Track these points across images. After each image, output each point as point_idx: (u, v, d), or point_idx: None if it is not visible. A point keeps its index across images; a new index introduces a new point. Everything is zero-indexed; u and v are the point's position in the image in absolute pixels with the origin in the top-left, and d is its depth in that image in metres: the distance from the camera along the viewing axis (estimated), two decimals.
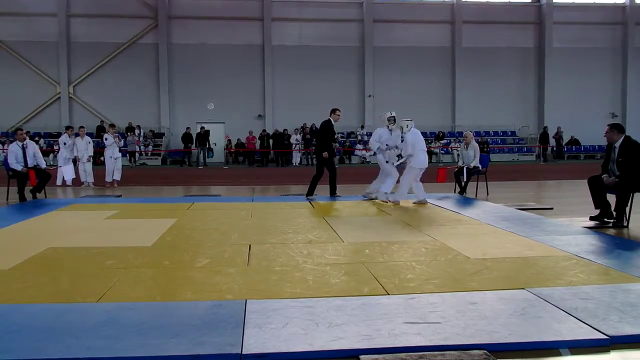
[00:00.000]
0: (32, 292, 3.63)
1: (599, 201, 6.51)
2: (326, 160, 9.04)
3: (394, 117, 8.60)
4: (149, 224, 6.46)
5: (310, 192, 9.06)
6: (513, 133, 27.68)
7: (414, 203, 8.31)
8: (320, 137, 9.29)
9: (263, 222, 6.51)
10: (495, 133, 27.26)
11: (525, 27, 27.44)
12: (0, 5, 24.35)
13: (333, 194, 9.24)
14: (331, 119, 9.19)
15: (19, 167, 9.17)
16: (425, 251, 4.87)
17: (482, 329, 2.86)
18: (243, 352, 2.57)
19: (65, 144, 12.65)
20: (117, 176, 12.52)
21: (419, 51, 26.46)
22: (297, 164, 23.42)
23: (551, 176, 15.46)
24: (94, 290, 3.63)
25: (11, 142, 10.45)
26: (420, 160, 8.31)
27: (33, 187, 9.25)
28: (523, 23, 27.35)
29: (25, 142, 9.42)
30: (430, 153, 24.80)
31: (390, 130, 8.58)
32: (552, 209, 7.89)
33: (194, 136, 23.34)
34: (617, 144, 6.42)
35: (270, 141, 23.72)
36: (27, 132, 14.38)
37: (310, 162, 23.40)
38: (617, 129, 6.51)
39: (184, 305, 3.32)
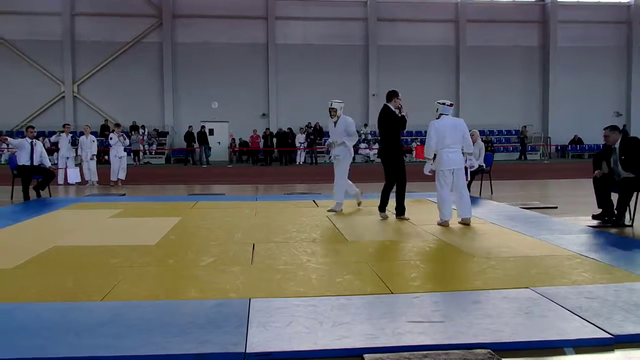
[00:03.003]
0: (36, 290, 3.64)
1: (603, 200, 6.49)
2: (396, 163, 6.84)
3: (334, 108, 7.38)
4: (153, 222, 6.47)
5: (398, 210, 6.84)
6: (517, 132, 27.58)
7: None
8: (387, 130, 6.85)
9: (267, 221, 6.52)
10: (499, 132, 27.17)
11: (529, 26, 27.33)
12: (5, 5, 24.40)
13: (400, 213, 6.77)
14: (390, 106, 6.87)
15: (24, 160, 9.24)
16: (429, 250, 4.87)
17: (486, 328, 2.85)
18: (247, 351, 2.58)
19: (68, 142, 12.72)
20: (122, 175, 12.56)
21: (423, 50, 26.40)
22: (301, 163, 23.41)
23: (555, 175, 15.39)
24: (99, 289, 3.65)
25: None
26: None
27: (37, 185, 9.30)
28: (527, 22, 27.24)
29: (33, 140, 9.51)
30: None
31: (335, 122, 7.42)
32: (556, 207, 7.87)
33: (196, 135, 23.43)
34: (617, 144, 6.40)
35: (274, 140, 23.74)
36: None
37: (314, 161, 23.39)
38: (615, 129, 6.49)
39: (188, 303, 3.32)
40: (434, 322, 2.94)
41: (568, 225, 6.19)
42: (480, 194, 9.62)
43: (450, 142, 6.24)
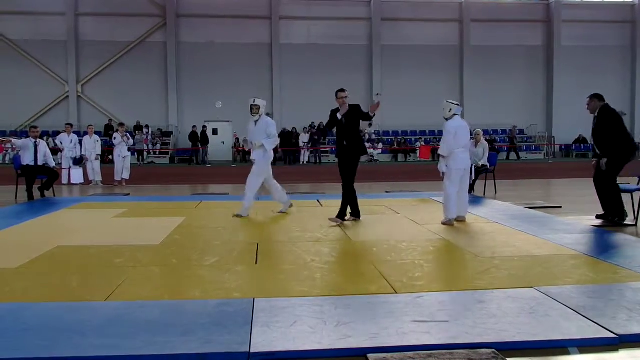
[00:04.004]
0: (40, 290, 3.65)
1: (604, 200, 6.46)
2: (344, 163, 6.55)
3: (257, 105, 6.96)
4: (157, 222, 6.48)
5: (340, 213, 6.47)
6: (521, 131, 27.50)
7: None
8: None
9: (271, 221, 6.52)
10: (503, 131, 27.09)
11: (533, 26, 27.25)
12: (9, 5, 24.50)
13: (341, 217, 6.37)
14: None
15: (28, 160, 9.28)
16: (433, 250, 4.86)
17: (490, 327, 2.85)
18: (251, 351, 2.58)
19: (71, 142, 12.75)
20: (126, 175, 12.59)
21: (427, 49, 26.36)
22: (304, 163, 23.41)
23: (559, 174, 15.34)
24: (103, 289, 3.65)
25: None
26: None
27: (41, 186, 9.34)
28: (532, 21, 27.17)
29: (37, 140, 9.54)
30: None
31: (255, 122, 7.01)
32: (560, 207, 7.84)
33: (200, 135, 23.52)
34: (596, 113, 6.39)
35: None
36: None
37: (318, 161, 23.38)
38: (597, 97, 6.46)
39: (192, 303, 3.33)
40: (438, 322, 2.94)
41: (572, 224, 6.17)
42: (484, 194, 9.60)
43: (464, 142, 6.41)
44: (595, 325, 2.87)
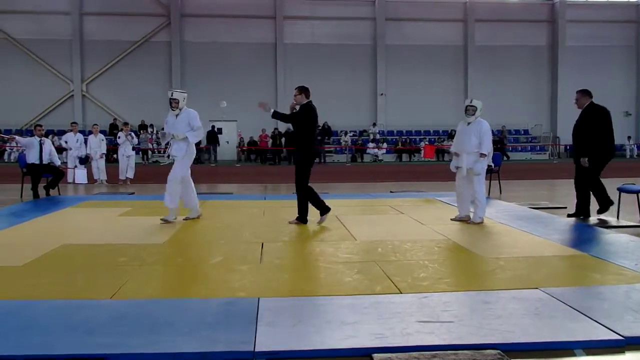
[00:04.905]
0: (46, 288, 3.66)
1: (583, 200, 6.47)
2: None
3: (175, 99, 6.43)
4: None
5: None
6: (526, 132, 27.41)
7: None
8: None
9: (275, 220, 6.52)
10: (508, 132, 27.00)
11: (538, 25, 27.16)
12: (15, 4, 24.63)
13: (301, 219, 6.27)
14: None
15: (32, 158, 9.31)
16: (438, 250, 4.85)
17: (495, 328, 2.84)
18: (256, 350, 2.58)
19: (77, 141, 12.80)
20: (130, 174, 12.63)
21: (432, 49, 26.31)
22: None
23: (564, 175, 15.26)
24: (107, 287, 3.66)
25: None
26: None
27: (47, 185, 9.37)
28: (536, 21, 27.08)
29: (42, 139, 9.58)
30: (442, 151, 24.69)
31: (176, 115, 6.47)
32: (565, 207, 7.80)
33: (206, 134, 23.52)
34: (583, 109, 6.38)
35: (283, 139, 23.75)
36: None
37: (322, 161, 23.36)
38: (586, 93, 6.43)
39: (196, 302, 3.33)
40: (443, 322, 2.93)
41: (577, 225, 6.15)
42: (488, 194, 9.56)
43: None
44: (601, 326, 2.85)
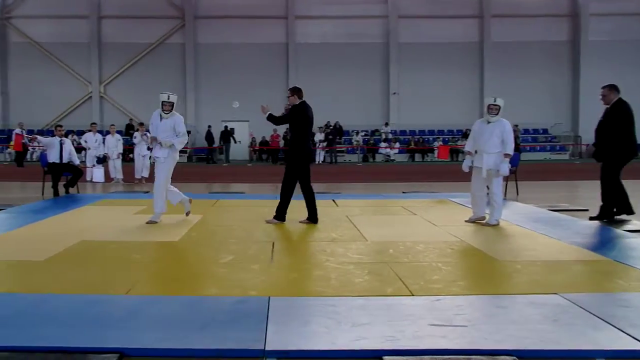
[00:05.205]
0: (64, 282, 3.76)
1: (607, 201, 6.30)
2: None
3: (171, 102, 6.44)
4: (176, 219, 6.52)
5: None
6: (545, 131, 26.91)
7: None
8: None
9: (286, 220, 6.49)
10: (526, 131, 26.54)
11: (558, 20, 26.53)
12: (37, 9, 25.18)
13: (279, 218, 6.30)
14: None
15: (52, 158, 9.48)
16: (452, 252, 4.77)
17: (511, 334, 2.76)
18: (266, 348, 2.57)
19: (96, 141, 12.98)
20: (146, 173, 12.75)
21: (446, 47, 25.98)
22: (320, 162, 23.38)
23: (586, 176, 14.96)
24: (123, 283, 3.72)
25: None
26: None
27: (66, 183, 9.55)
28: (556, 16, 26.43)
29: (62, 139, 9.75)
30: (457, 151, 24.44)
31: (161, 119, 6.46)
32: (587, 210, 7.57)
33: (215, 134, 23.69)
34: (610, 105, 6.20)
35: None
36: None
37: (333, 160, 23.31)
38: (614, 89, 6.26)
39: (208, 300, 3.35)
40: (456, 326, 2.86)
41: (600, 228, 5.98)
42: (505, 195, 9.41)
43: None
44: (627, 336, 2.71)
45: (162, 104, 6.40)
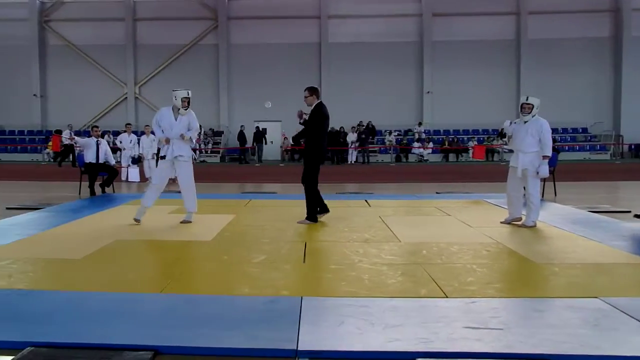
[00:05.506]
0: (101, 281, 3.85)
1: None
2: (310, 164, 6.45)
3: (189, 98, 6.49)
4: (209, 219, 6.64)
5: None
6: (585, 130, 26.03)
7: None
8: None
9: (318, 220, 6.50)
10: (565, 130, 25.75)
11: (599, 16, 25.59)
12: (75, 13, 26.09)
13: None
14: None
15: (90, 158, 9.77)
16: (487, 254, 4.67)
17: (548, 338, 2.68)
18: (298, 348, 2.58)
19: (130, 141, 13.31)
20: None
21: (481, 45, 25.46)
22: (352, 162, 23.32)
23: (628, 176, 14.40)
24: (157, 281, 3.80)
25: None
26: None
27: (102, 182, 9.84)
28: (597, 11, 25.51)
29: (98, 139, 10.05)
30: (492, 151, 23.93)
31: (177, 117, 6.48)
32: (629, 212, 7.29)
33: (248, 134, 23.93)
34: None
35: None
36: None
37: (366, 160, 23.21)
38: None
39: (241, 299, 3.38)
40: (492, 329, 2.80)
41: None
42: (543, 196, 9.16)
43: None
44: None
45: (182, 100, 6.36)
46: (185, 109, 6.40)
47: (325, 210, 6.49)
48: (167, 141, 6.35)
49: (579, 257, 4.49)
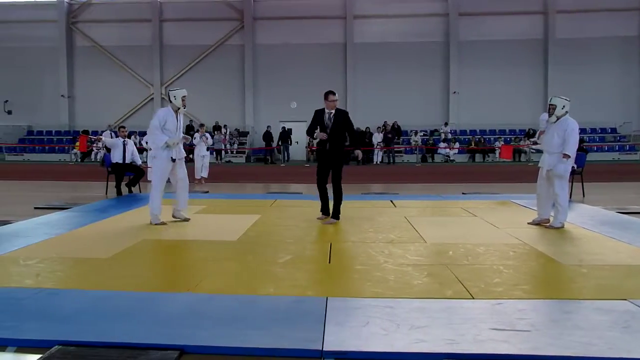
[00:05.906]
0: (128, 280, 3.91)
1: None
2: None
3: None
4: (235, 219, 6.73)
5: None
6: (613, 130, 25.36)
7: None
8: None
9: (343, 221, 6.53)
10: (593, 130, 25.13)
11: (629, 14, 24.91)
12: (102, 14, 26.70)
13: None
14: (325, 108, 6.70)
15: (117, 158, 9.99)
16: (514, 255, 4.62)
17: (577, 340, 2.66)
18: (324, 349, 2.60)
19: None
20: (205, 173, 13.19)
21: (508, 44, 25.05)
22: (378, 162, 23.24)
23: None
24: (183, 281, 3.86)
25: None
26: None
27: (128, 182, 9.99)
28: (626, 10, 24.85)
29: (125, 139, 10.24)
30: (519, 152, 23.50)
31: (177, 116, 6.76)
32: None
33: (274, 135, 24.09)
34: None
35: None
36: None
37: (391, 161, 23.09)
38: None
39: (266, 299, 3.41)
40: (519, 331, 2.79)
41: None
42: (571, 197, 8.98)
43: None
44: None
45: (182, 99, 6.58)
46: (184, 107, 6.65)
47: (326, 212, 6.61)
48: (186, 140, 6.66)
49: (608, 258, 4.41)
